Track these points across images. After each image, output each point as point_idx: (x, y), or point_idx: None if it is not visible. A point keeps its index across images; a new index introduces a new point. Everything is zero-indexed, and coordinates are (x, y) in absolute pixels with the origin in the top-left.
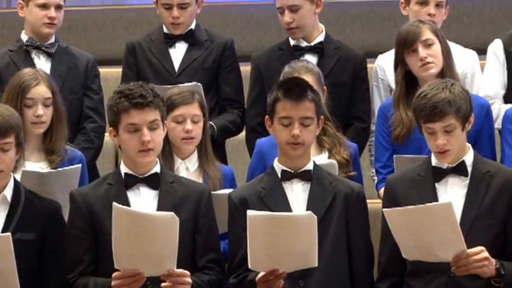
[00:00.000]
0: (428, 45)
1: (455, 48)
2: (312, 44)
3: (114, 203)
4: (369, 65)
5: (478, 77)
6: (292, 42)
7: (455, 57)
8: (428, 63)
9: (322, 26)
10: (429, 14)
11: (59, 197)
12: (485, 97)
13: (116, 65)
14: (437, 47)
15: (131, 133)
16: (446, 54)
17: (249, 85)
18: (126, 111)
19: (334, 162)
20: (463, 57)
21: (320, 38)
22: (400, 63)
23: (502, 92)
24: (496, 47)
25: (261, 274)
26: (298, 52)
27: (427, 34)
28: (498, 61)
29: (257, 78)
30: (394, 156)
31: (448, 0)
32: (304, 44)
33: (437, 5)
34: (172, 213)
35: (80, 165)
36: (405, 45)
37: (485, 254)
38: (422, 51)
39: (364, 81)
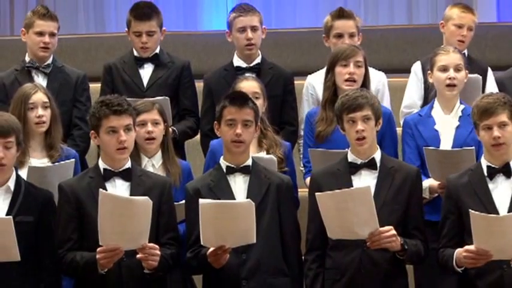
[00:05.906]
0: (358, 66)
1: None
2: (251, 65)
3: (101, 190)
4: (298, 82)
5: (387, 92)
6: (235, 63)
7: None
8: (354, 80)
9: (259, 50)
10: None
11: (57, 186)
12: (405, 107)
13: (99, 82)
14: (362, 70)
15: (110, 134)
16: (366, 75)
17: (201, 99)
18: (107, 117)
19: (274, 158)
20: (376, 76)
21: (258, 59)
22: (331, 70)
23: (420, 102)
24: (416, 67)
25: (211, 249)
26: (240, 72)
27: (360, 57)
28: (417, 78)
29: (208, 94)
30: (309, 149)
31: (359, 30)
32: (244, 65)
33: (351, 36)
34: (147, 197)
35: (73, 160)
36: (341, 58)
37: (393, 232)
38: (352, 67)
39: (291, 94)
